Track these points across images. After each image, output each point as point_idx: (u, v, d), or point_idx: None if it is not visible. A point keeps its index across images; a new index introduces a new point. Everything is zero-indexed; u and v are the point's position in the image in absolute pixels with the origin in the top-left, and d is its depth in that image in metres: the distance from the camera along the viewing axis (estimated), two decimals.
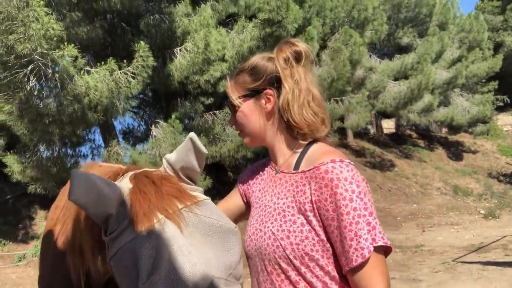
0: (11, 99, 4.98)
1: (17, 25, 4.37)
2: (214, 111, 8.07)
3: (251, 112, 1.19)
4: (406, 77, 14.12)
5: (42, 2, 4.56)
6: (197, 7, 7.56)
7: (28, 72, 4.85)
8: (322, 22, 11.20)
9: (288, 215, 1.10)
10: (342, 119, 12.52)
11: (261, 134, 1.21)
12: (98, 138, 8.27)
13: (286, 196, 1.13)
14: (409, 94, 13.35)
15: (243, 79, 1.20)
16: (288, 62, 1.17)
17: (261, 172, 1.32)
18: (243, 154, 8.01)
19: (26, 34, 4.43)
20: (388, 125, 20.29)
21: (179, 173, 1.04)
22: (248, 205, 1.34)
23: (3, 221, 8.51)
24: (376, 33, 13.48)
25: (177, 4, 7.36)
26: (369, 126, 18.64)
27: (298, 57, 1.18)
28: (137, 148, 7.43)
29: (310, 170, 1.10)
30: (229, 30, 8.26)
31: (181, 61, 6.75)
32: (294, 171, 1.15)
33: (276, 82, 1.17)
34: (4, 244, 7.90)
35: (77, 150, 7.77)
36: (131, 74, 5.87)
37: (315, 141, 1.19)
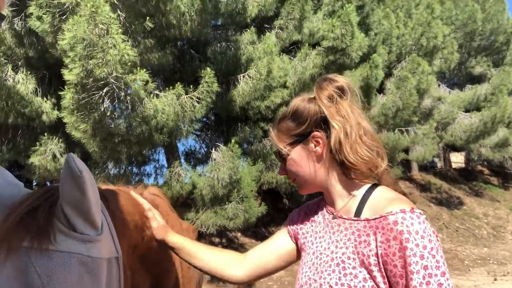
0: (87, 119, 5.35)
1: (97, 51, 4.73)
2: None
3: (300, 158, 1.14)
4: (478, 109, 13.23)
5: (120, 30, 4.92)
6: (262, 35, 7.74)
7: (103, 94, 5.21)
8: (388, 50, 10.95)
9: (349, 268, 1.00)
10: (406, 150, 11.98)
11: (315, 179, 1.14)
12: (162, 158, 8.62)
13: (346, 246, 1.04)
14: (481, 127, 12.46)
15: (286, 126, 1.16)
16: (332, 99, 1.11)
17: (314, 214, 1.23)
18: None
19: (104, 59, 4.77)
20: (457, 159, 19.06)
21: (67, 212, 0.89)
22: (297, 247, 1.25)
23: None
24: (446, 61, 12.88)
25: (243, 32, 7.59)
26: (436, 159, 17.65)
27: (341, 93, 1.12)
28: (197, 170, 7.61)
29: (376, 219, 1.00)
30: (292, 58, 8.33)
31: (243, 87, 6.89)
32: (356, 218, 1.06)
33: (323, 123, 1.10)
34: None
35: (142, 169, 8.14)
36: (196, 99, 6.08)
37: (376, 184, 1.10)
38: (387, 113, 9.67)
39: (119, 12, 5.39)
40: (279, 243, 1.28)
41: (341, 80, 1.14)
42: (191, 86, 6.15)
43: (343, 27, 7.27)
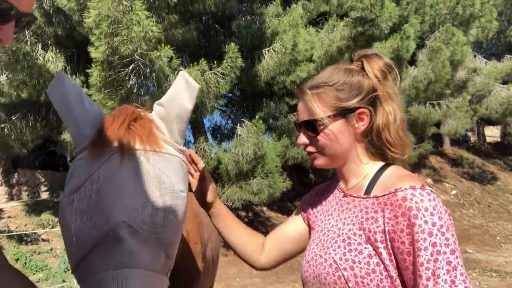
0: (114, 96, 5.45)
1: (121, 28, 4.76)
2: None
3: (339, 133, 1.07)
4: None
5: (144, 6, 4.91)
6: (287, 8, 7.55)
7: (129, 71, 5.28)
8: (421, 20, 10.46)
9: (354, 244, 1.00)
10: (438, 124, 11.62)
11: (344, 155, 1.10)
12: (188, 134, 8.73)
13: (353, 223, 1.03)
14: None
15: (332, 95, 1.08)
16: (384, 76, 1.08)
17: (325, 195, 1.22)
18: None
19: (129, 36, 4.80)
20: (492, 133, 18.32)
21: (170, 123, 1.04)
22: (310, 228, 1.25)
23: None
24: (483, 31, 12.19)
25: (269, 4, 7.42)
26: (470, 133, 17.04)
27: (390, 70, 1.09)
28: (222, 146, 7.68)
29: (384, 195, 0.98)
30: (319, 30, 8.10)
31: (268, 62, 6.80)
32: (365, 196, 1.04)
33: (373, 102, 1.07)
34: None
35: None
36: (221, 75, 6.06)
37: (389, 163, 1.09)
38: (419, 86, 9.33)
39: None
40: (295, 228, 1.28)
41: (386, 59, 1.11)
42: (216, 62, 6.12)
43: None
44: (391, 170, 1.07)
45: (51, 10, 6.19)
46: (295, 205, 9.69)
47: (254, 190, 6.69)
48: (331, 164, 1.13)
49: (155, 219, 0.92)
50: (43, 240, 7.54)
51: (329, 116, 1.07)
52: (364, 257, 0.97)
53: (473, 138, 17.43)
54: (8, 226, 7.92)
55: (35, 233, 7.40)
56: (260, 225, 9.43)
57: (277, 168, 6.87)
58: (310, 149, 1.12)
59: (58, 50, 6.22)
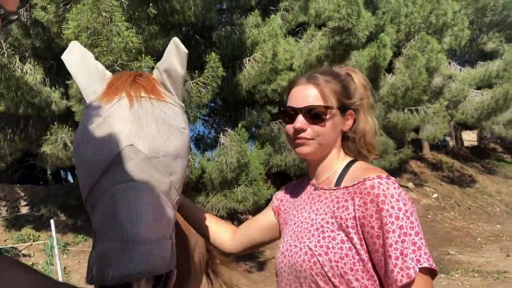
0: None
1: (101, 39, 4.76)
2: (280, 120, 8.09)
3: (336, 126, 1.16)
4: (490, 86, 13.00)
5: (123, 18, 4.93)
6: (266, 18, 7.67)
7: None
8: (397, 29, 10.76)
9: (327, 231, 1.06)
10: (417, 130, 11.88)
11: (331, 148, 1.19)
12: None
13: (325, 212, 1.10)
14: (493, 104, 12.25)
15: (337, 89, 1.16)
16: (366, 90, 1.22)
17: (296, 191, 1.30)
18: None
19: (109, 47, 4.80)
20: (470, 137, 18.83)
21: (166, 84, 1.14)
22: (279, 222, 1.33)
23: (86, 218, 9.28)
24: (456, 39, 12.62)
25: (248, 15, 7.53)
26: (448, 138, 17.45)
27: (368, 86, 1.24)
28: (205, 155, 7.69)
29: (354, 185, 1.07)
30: (298, 39, 8.25)
31: (249, 71, 6.88)
32: (335, 188, 1.13)
33: (358, 108, 1.20)
34: (85, 240, 8.60)
35: None
36: (202, 84, 6.10)
37: (354, 160, 1.19)
38: (396, 92, 9.57)
39: (122, 0, 5.38)
40: (267, 219, 1.36)
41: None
42: (197, 72, 6.15)
43: (349, 6, 7.16)
44: (357, 164, 1.16)
45: (28, 22, 6.13)
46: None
47: (239, 198, 6.71)
48: (316, 154, 1.17)
49: (161, 147, 1.01)
50: (24, 255, 7.36)
51: (337, 107, 1.15)
52: (337, 243, 1.03)
53: (451, 143, 17.86)
54: None
55: (15, 248, 7.22)
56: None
57: (261, 176, 6.91)
58: (305, 134, 1.15)
59: (36, 62, 6.15)
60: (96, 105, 1.07)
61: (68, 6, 5.04)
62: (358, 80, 1.21)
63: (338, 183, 1.13)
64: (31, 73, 5.92)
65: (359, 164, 1.16)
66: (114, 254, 0.85)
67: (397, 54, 10.53)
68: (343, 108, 1.16)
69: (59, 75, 6.58)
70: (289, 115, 1.20)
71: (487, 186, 14.52)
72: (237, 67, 7.15)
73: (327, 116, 1.13)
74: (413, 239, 0.96)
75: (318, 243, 1.05)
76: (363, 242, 1.01)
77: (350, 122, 1.18)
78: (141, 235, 0.88)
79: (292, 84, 1.25)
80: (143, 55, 5.34)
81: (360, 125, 1.19)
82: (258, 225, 1.36)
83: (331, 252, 1.02)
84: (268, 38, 6.91)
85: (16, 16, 0.69)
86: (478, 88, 13.18)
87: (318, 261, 1.03)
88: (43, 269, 6.53)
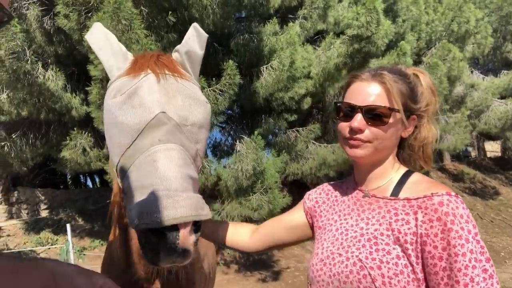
0: None
1: None
2: (297, 128, 8.03)
3: (396, 130, 1.06)
4: None
5: (142, 25, 4.99)
6: (285, 26, 7.67)
7: None
8: (417, 37, 10.60)
9: (381, 244, 0.98)
10: (437, 140, 11.63)
11: (387, 154, 1.10)
12: None
13: (380, 223, 1.02)
14: None
15: (404, 90, 1.06)
16: (434, 95, 1.13)
17: (337, 194, 1.21)
18: (325, 173, 7.82)
19: None
20: (493, 148, 18.34)
21: (185, 66, 1.19)
22: (311, 225, 1.24)
23: (102, 223, 9.39)
24: (479, 47, 12.33)
25: (267, 23, 7.54)
26: (470, 149, 17.03)
27: (436, 92, 1.16)
28: (221, 162, 7.68)
29: (418, 199, 0.98)
30: (317, 47, 8.21)
31: (266, 79, 6.87)
32: (393, 197, 1.04)
33: (422, 114, 1.11)
34: (102, 244, 8.69)
35: None
36: (219, 91, 6.12)
37: (411, 171, 1.11)
38: None
39: (141, 8, 5.47)
40: (292, 218, 1.29)
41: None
42: (214, 79, 6.18)
43: (368, 14, 7.08)
44: (417, 176, 1.08)
45: (51, 29, 6.29)
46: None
47: (254, 206, 6.66)
48: (370, 158, 1.08)
49: (189, 116, 1.08)
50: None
51: (404, 110, 1.05)
52: (393, 258, 0.95)
53: (473, 153, 17.42)
54: (7, 245, 7.86)
55: (34, 251, 7.35)
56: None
57: (277, 184, 6.85)
58: (361, 136, 1.05)
59: (58, 69, 6.30)
60: (125, 79, 1.12)
61: (89, 14, 5.14)
62: (426, 83, 1.10)
63: (395, 193, 1.05)
64: (53, 80, 6.06)
65: (419, 177, 1.07)
66: (164, 199, 0.90)
67: (417, 62, 10.36)
68: (408, 112, 1.06)
69: (80, 81, 6.72)
70: (345, 112, 1.08)
71: (511, 199, 14.07)
72: (254, 74, 7.16)
73: (390, 119, 1.03)
74: (484, 265, 0.89)
75: (370, 255, 0.97)
76: (420, 260, 0.94)
77: (411, 129, 1.09)
78: (185, 186, 0.94)
79: (352, 78, 1.11)
80: None
81: (422, 133, 1.09)
82: (285, 225, 1.29)
83: (385, 266, 0.95)
84: (286, 46, 6.90)
85: (6, 19, 0.68)
86: (502, 97, 12.84)
87: (369, 274, 0.95)
88: None
